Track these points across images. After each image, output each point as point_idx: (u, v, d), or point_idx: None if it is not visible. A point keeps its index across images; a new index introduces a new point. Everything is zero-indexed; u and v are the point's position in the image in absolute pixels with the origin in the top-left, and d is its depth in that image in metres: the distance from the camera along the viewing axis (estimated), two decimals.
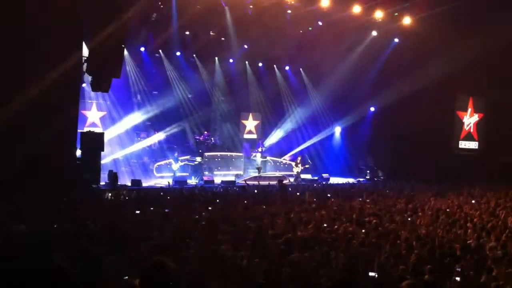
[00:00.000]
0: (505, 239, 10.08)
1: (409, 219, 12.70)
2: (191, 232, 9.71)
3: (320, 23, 25.38)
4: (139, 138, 24.20)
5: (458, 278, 7.79)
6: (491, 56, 25.14)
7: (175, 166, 22.88)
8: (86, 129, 20.50)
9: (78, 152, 18.56)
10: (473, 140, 30.91)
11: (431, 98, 26.53)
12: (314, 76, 29.31)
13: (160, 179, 22.15)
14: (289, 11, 23.92)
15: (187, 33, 24.53)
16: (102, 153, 19.19)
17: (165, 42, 24.53)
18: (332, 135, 30.37)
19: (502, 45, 24.29)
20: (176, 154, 23.21)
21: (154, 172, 23.00)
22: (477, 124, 30.92)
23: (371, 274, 7.47)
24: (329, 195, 17.73)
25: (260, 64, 28.56)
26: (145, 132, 24.64)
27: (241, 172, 25.21)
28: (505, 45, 24.38)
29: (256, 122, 29.13)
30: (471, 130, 30.79)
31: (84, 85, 20.47)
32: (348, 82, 27.28)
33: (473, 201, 16.82)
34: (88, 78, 18.84)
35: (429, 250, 8.96)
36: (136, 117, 24.31)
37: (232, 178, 23.31)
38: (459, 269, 8.07)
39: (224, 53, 26.52)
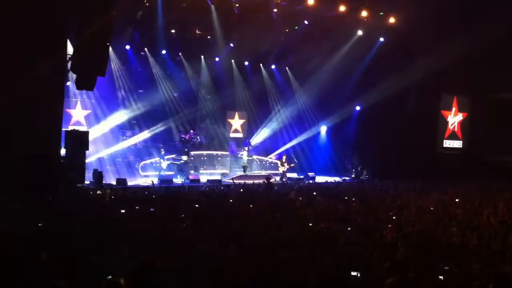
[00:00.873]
0: (489, 237, 10.19)
1: (394, 217, 12.76)
2: (177, 231, 9.68)
3: (306, 22, 25.50)
4: (124, 137, 24.07)
5: (441, 277, 7.86)
6: (475, 55, 25.39)
7: (164, 164, 22.80)
8: (70, 128, 20.33)
9: (63, 151, 18.41)
10: (457, 139, 31.19)
11: (416, 97, 26.74)
12: (300, 75, 29.32)
13: (146, 178, 22.06)
14: (275, 10, 23.97)
15: (173, 31, 24.42)
16: (87, 152, 19.07)
17: (150, 40, 24.40)
18: (318, 134, 30.39)
19: (486, 45, 24.55)
20: (162, 152, 23.13)
21: (140, 171, 22.88)
22: (461, 123, 31.21)
23: (353, 273, 7.50)
24: (314, 193, 17.75)
25: (246, 63, 28.52)
26: (130, 130, 24.51)
27: (227, 171, 25.17)
28: (489, 45, 24.65)
29: (242, 121, 29.09)
30: (456, 129, 31.07)
31: (68, 83, 20.27)
32: (334, 81, 27.35)
33: (457, 200, 16.94)
34: (72, 76, 18.67)
35: (413, 248, 9.02)
36: (121, 116, 24.16)
37: (218, 177, 23.26)
38: (446, 267, 8.14)
39: (210, 51, 26.46)
